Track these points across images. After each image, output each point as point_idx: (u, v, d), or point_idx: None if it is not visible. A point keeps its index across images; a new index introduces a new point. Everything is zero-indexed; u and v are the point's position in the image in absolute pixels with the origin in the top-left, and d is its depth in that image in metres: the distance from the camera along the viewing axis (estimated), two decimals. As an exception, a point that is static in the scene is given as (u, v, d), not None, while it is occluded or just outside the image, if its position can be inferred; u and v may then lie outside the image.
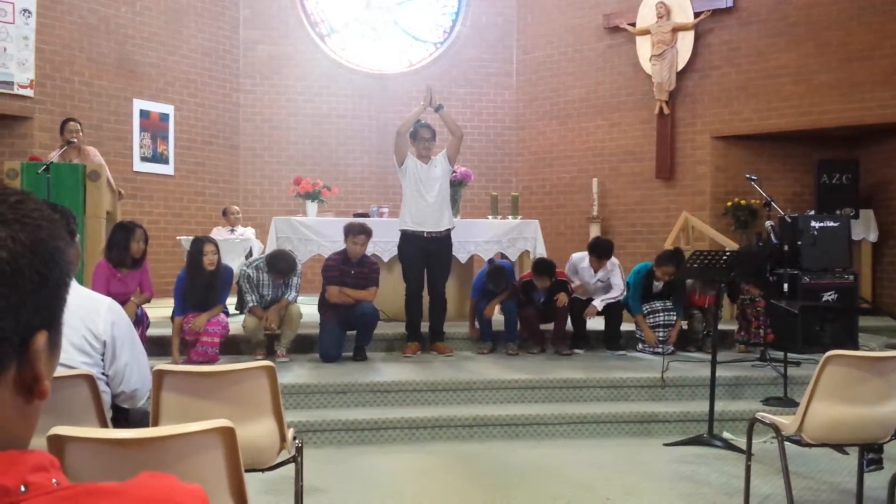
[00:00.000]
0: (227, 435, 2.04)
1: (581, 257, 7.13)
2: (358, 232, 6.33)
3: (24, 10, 8.96)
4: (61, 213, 3.02)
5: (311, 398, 5.39)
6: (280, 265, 6.15)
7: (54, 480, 0.72)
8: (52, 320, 0.77)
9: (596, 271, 7.04)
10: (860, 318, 7.24)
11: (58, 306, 0.78)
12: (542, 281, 6.64)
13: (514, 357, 6.61)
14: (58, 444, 1.89)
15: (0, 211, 0.73)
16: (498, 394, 5.63)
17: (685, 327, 7.02)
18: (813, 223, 6.96)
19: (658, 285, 6.94)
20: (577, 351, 6.80)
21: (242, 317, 6.35)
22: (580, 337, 6.95)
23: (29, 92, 9.03)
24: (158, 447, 1.95)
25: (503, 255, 7.86)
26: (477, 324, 6.82)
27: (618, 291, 6.96)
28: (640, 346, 6.93)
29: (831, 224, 7.05)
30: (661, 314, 6.86)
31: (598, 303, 6.86)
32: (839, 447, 4.46)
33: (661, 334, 6.84)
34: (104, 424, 2.77)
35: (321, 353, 6.32)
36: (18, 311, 0.72)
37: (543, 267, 6.68)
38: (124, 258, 5.71)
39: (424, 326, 6.66)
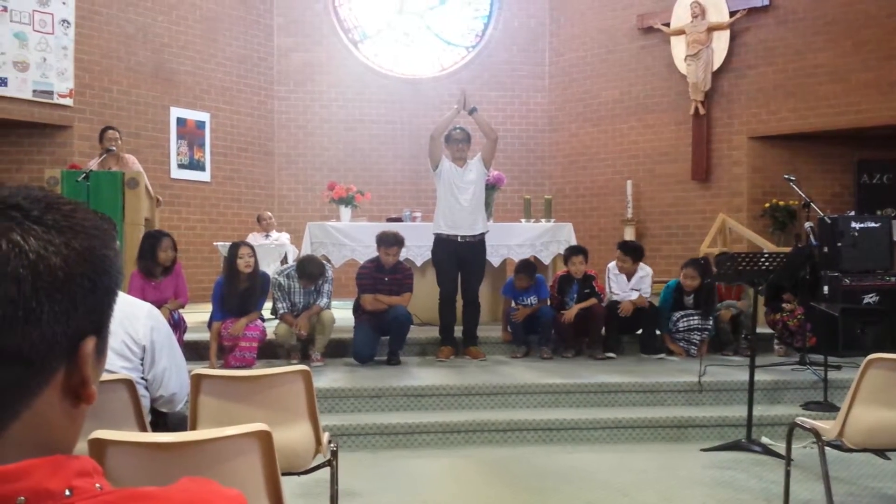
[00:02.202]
0: (265, 439, 2.06)
1: (612, 266, 7.09)
2: (391, 243, 6.34)
3: (64, 21, 9.15)
4: (102, 219, 3.08)
5: (345, 402, 5.42)
6: (310, 269, 6.20)
7: (98, 485, 0.74)
8: (100, 326, 0.80)
9: (629, 277, 6.98)
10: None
11: (106, 313, 0.80)
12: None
13: (549, 361, 6.58)
14: (99, 448, 1.93)
15: (55, 219, 0.75)
16: (532, 398, 5.61)
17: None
18: (853, 224, 6.82)
19: (689, 299, 6.89)
20: (609, 355, 6.74)
21: (276, 322, 6.40)
22: (613, 341, 6.89)
23: (68, 101, 9.22)
24: (197, 451, 1.97)
25: (536, 259, 7.84)
26: (509, 328, 6.81)
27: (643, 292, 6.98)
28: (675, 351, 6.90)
29: (872, 225, 6.91)
30: (696, 318, 6.79)
31: (635, 296, 6.85)
32: (880, 452, 4.38)
33: (696, 337, 6.78)
34: (143, 428, 2.82)
35: (354, 353, 6.36)
36: (69, 316, 0.74)
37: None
38: (152, 267, 5.80)
39: (458, 331, 6.65)
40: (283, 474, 2.44)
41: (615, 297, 6.89)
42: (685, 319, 6.83)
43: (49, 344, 0.73)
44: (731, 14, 10.16)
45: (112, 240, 0.81)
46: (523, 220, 8.19)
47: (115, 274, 0.80)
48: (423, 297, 7.14)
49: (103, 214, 3.22)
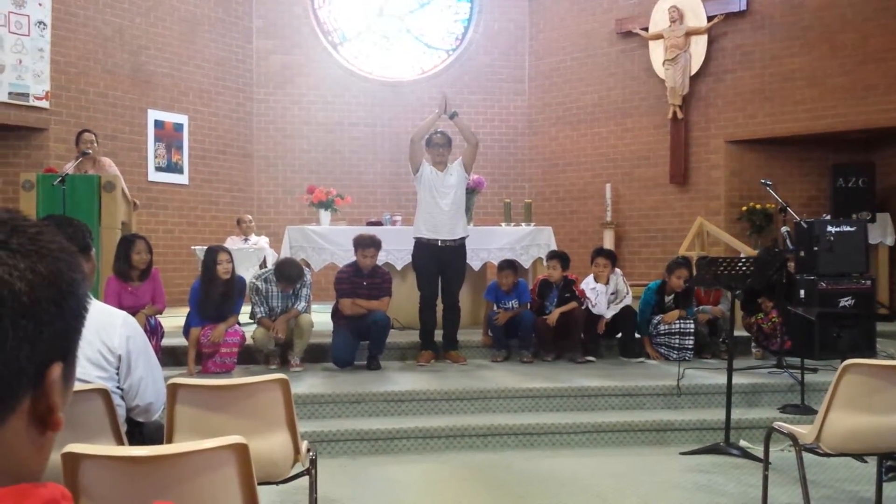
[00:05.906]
0: (241, 451, 2.04)
1: (586, 281, 7.09)
2: (367, 245, 6.33)
3: (40, 23, 9.04)
4: (77, 227, 3.04)
5: (324, 408, 5.39)
6: (288, 272, 6.17)
7: (66, 514, 0.72)
8: (67, 352, 0.78)
9: (606, 283, 6.99)
10: (878, 324, 7.16)
11: (73, 338, 0.79)
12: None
13: (529, 365, 6.59)
14: (72, 462, 1.89)
15: (20, 242, 0.74)
16: (513, 402, 5.61)
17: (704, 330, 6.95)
18: (829, 228, 6.88)
19: (669, 300, 6.93)
20: (589, 358, 6.76)
21: (254, 327, 6.35)
22: (593, 345, 6.91)
23: (44, 103, 9.11)
24: (172, 464, 1.95)
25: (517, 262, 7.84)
26: (490, 332, 6.81)
27: (622, 296, 6.99)
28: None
29: (848, 228, 6.97)
30: (677, 322, 6.82)
31: (608, 313, 6.88)
32: (858, 455, 4.42)
33: (676, 342, 6.81)
34: (119, 438, 2.78)
35: (334, 357, 6.32)
36: (35, 342, 0.73)
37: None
38: (127, 271, 5.74)
39: (438, 335, 6.64)
40: (262, 483, 2.42)
41: (597, 312, 6.89)
42: (666, 325, 6.85)
43: (14, 371, 0.72)
44: (709, 19, 10.24)
45: (80, 263, 0.79)
46: (503, 224, 8.20)
47: (83, 297, 0.79)
48: (404, 301, 7.13)
49: (72, 219, 3.19)
